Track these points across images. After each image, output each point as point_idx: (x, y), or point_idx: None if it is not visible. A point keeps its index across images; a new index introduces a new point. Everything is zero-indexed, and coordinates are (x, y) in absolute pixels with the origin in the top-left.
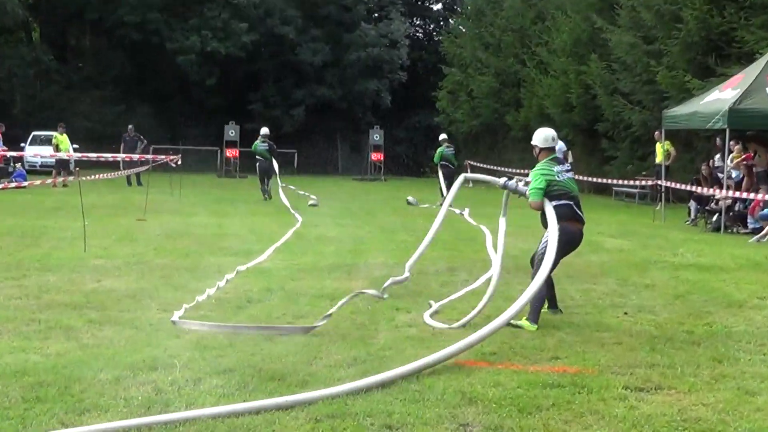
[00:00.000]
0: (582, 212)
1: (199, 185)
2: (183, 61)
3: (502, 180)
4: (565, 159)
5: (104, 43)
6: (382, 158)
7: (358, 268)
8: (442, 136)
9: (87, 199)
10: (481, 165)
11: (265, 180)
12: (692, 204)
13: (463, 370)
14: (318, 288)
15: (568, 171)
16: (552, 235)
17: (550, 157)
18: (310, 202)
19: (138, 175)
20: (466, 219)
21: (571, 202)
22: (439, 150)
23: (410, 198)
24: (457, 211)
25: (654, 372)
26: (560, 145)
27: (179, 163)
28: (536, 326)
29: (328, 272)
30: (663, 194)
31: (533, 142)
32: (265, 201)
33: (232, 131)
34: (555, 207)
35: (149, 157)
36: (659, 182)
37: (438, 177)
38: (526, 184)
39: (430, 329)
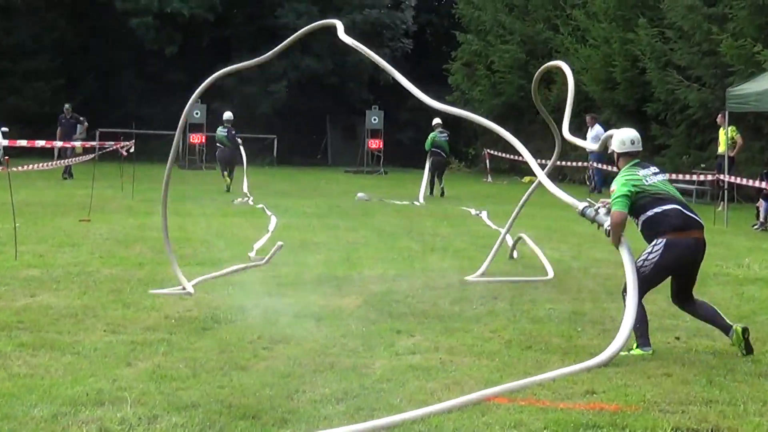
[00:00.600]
0: (695, 214)
1: (157, 178)
2: (137, 25)
3: (581, 205)
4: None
5: (40, 2)
6: (381, 146)
7: (350, 281)
8: (436, 121)
9: (18, 196)
10: (503, 155)
11: (227, 171)
12: (762, 204)
13: (477, 407)
14: (301, 306)
15: (656, 174)
16: (629, 263)
17: (632, 162)
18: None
19: (68, 166)
20: (485, 221)
21: (677, 206)
22: (430, 135)
23: (361, 194)
24: (474, 211)
25: (711, 410)
26: (598, 131)
27: (132, 151)
28: (651, 349)
29: (313, 286)
30: (726, 192)
31: (611, 148)
32: (228, 192)
33: (197, 112)
34: (657, 216)
35: (94, 143)
36: (721, 177)
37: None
38: (608, 212)
39: (438, 357)
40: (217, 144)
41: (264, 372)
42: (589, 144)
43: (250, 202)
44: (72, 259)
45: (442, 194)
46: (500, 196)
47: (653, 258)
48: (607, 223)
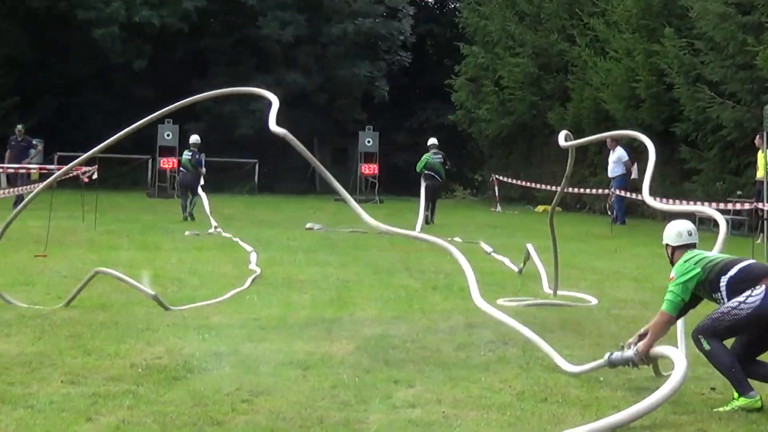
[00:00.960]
0: None
1: (123, 208)
2: (101, 36)
3: (606, 356)
4: (628, 172)
5: None
6: (376, 171)
7: (341, 323)
8: (431, 141)
9: None
10: (514, 181)
11: (188, 196)
12: None
13: None
14: (286, 352)
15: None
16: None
17: (688, 256)
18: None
19: (21, 195)
20: (495, 257)
21: (752, 260)
22: (424, 157)
23: (311, 224)
24: (488, 248)
25: None
26: (620, 154)
27: (95, 177)
28: (755, 396)
29: (299, 330)
30: (766, 222)
31: (664, 241)
32: (185, 221)
33: (168, 133)
34: (743, 270)
35: (53, 167)
36: (760, 205)
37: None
38: (637, 352)
39: (440, 410)
40: (180, 168)
41: (243, 428)
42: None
43: (217, 231)
44: (25, 299)
45: (428, 222)
46: (511, 228)
47: (753, 302)
48: (635, 352)
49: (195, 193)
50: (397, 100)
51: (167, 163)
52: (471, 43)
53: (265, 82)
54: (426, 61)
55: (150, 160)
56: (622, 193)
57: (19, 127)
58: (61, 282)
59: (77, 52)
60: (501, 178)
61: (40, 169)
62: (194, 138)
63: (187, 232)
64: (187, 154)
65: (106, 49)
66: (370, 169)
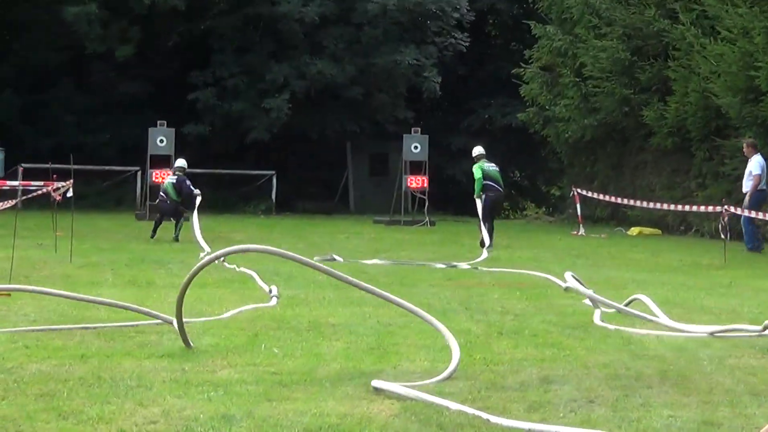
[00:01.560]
0: None
1: (106, 233)
2: (75, 17)
3: None
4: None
5: None
6: (425, 185)
7: (383, 378)
8: (478, 150)
9: None
10: (601, 196)
11: (170, 220)
12: None
13: None
14: (314, 414)
15: None
16: None
17: None
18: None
19: None
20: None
21: None
22: (477, 166)
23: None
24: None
25: None
26: (759, 162)
27: (70, 194)
28: None
29: (330, 387)
30: None
31: None
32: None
33: (161, 138)
34: None
35: (15, 183)
36: None
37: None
38: None
39: None
40: (161, 194)
41: None
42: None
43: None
44: None
45: (482, 245)
46: (597, 257)
47: None
48: None
49: (179, 218)
50: (452, 95)
51: (160, 176)
52: (545, 22)
53: (283, 73)
54: (488, 45)
55: (139, 173)
56: (753, 214)
57: None
58: (29, 327)
59: (45, 38)
60: (584, 192)
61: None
62: (180, 162)
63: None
64: (171, 179)
65: (80, 33)
66: (417, 182)
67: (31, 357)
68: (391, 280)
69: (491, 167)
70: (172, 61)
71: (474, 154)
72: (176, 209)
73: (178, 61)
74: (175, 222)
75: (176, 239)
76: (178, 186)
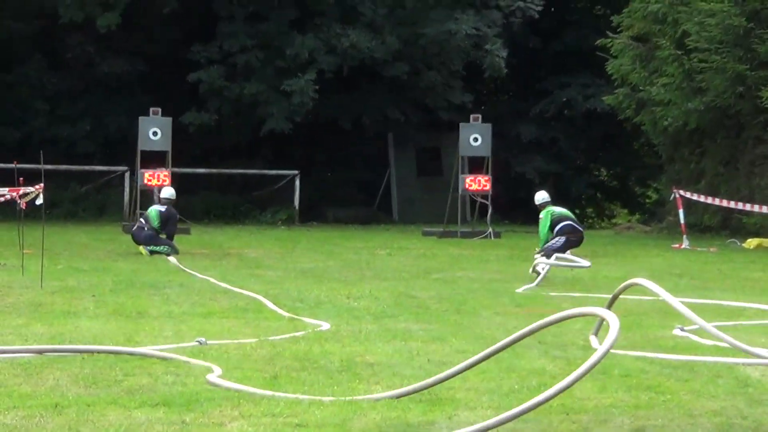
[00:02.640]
0: None
1: (85, 250)
2: None
3: None
4: None
5: None
6: (488, 186)
7: (433, 431)
8: (542, 197)
9: None
10: (710, 200)
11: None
12: None
13: None
14: None
15: None
16: None
17: None
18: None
19: None
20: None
21: None
22: (546, 213)
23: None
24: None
25: None
26: None
27: (39, 201)
28: None
29: None
30: None
31: None
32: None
33: (155, 130)
34: None
35: None
36: None
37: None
38: None
39: None
40: (140, 220)
41: None
42: None
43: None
44: None
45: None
46: (705, 276)
47: None
48: None
49: (158, 243)
50: (521, 74)
51: (153, 176)
52: None
53: (307, 47)
54: (566, 9)
55: (126, 174)
56: None
57: None
58: None
59: (8, 2)
60: (688, 195)
61: None
62: (168, 192)
63: (171, 259)
64: (158, 207)
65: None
66: (477, 183)
67: None
68: (444, 306)
69: (560, 210)
70: (168, 33)
71: (538, 201)
72: (153, 238)
73: (176, 32)
74: (152, 246)
75: (150, 254)
76: (164, 216)
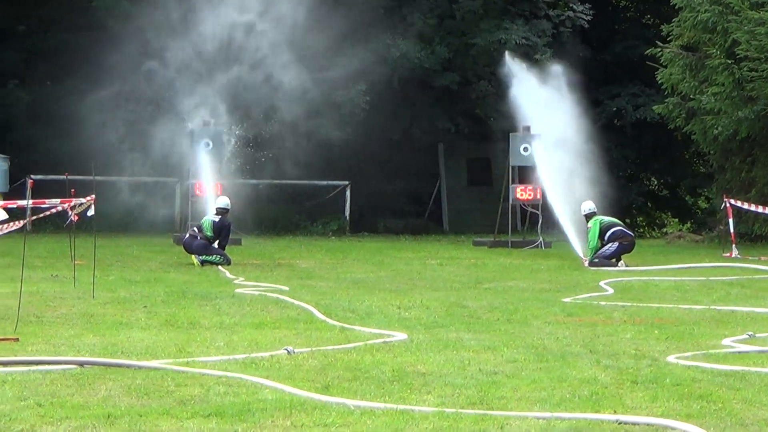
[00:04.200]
0: None
1: (136, 262)
2: None
3: None
4: None
5: None
6: (538, 196)
7: None
8: (587, 205)
9: None
10: (761, 209)
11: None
12: None
13: None
14: None
15: None
16: None
17: None
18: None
19: None
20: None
21: None
22: (595, 221)
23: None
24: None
25: None
26: None
27: (91, 213)
28: None
29: None
30: None
31: None
32: (202, 267)
33: (207, 141)
34: None
35: (23, 203)
36: None
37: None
38: None
39: None
40: (193, 229)
41: None
42: None
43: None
44: None
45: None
46: (756, 286)
47: None
48: None
49: (210, 253)
50: (571, 83)
51: (202, 189)
52: None
53: (357, 56)
54: (616, 18)
55: (177, 185)
56: None
57: None
58: (43, 381)
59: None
60: (739, 204)
61: (4, 203)
62: (223, 201)
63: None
64: (212, 217)
65: None
66: (528, 192)
67: (44, 417)
68: (495, 316)
69: (610, 218)
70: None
71: (584, 211)
72: (206, 247)
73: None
74: (204, 255)
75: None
76: (218, 226)
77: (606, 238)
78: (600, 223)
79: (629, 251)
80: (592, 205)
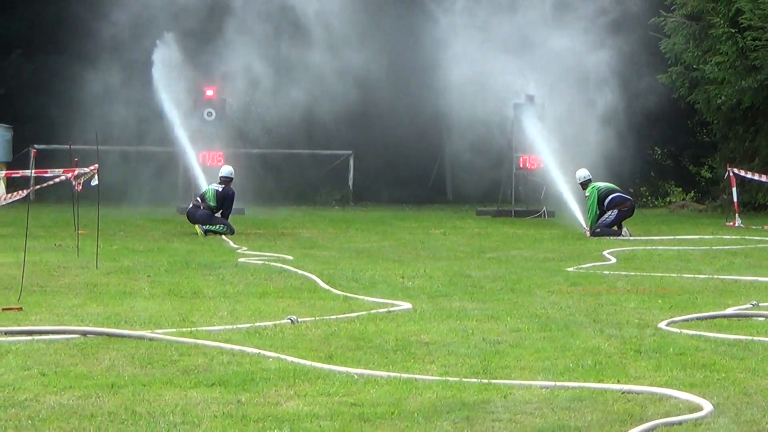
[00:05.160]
0: None
1: (140, 231)
2: None
3: None
4: None
5: None
6: (541, 164)
7: (489, 411)
8: (582, 173)
9: None
10: (763, 178)
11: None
12: None
13: None
14: None
15: None
16: None
17: None
18: None
19: None
20: None
21: None
22: (592, 189)
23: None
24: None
25: None
26: None
27: (94, 183)
28: None
29: (424, 421)
30: None
31: None
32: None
33: (209, 111)
34: None
35: (27, 173)
36: None
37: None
38: None
39: None
40: (196, 199)
41: None
42: None
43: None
44: None
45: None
46: (759, 255)
47: None
48: None
49: (214, 223)
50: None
51: (210, 158)
52: None
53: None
54: None
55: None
56: None
57: None
58: (47, 351)
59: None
60: (742, 173)
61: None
62: (226, 170)
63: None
64: (215, 186)
65: None
66: (531, 161)
67: (48, 387)
68: (499, 285)
69: (607, 183)
70: None
71: (580, 179)
72: (209, 217)
73: None
74: (208, 225)
75: (227, 229)
76: (221, 196)
77: (606, 204)
78: (598, 191)
79: (629, 216)
80: (587, 172)
